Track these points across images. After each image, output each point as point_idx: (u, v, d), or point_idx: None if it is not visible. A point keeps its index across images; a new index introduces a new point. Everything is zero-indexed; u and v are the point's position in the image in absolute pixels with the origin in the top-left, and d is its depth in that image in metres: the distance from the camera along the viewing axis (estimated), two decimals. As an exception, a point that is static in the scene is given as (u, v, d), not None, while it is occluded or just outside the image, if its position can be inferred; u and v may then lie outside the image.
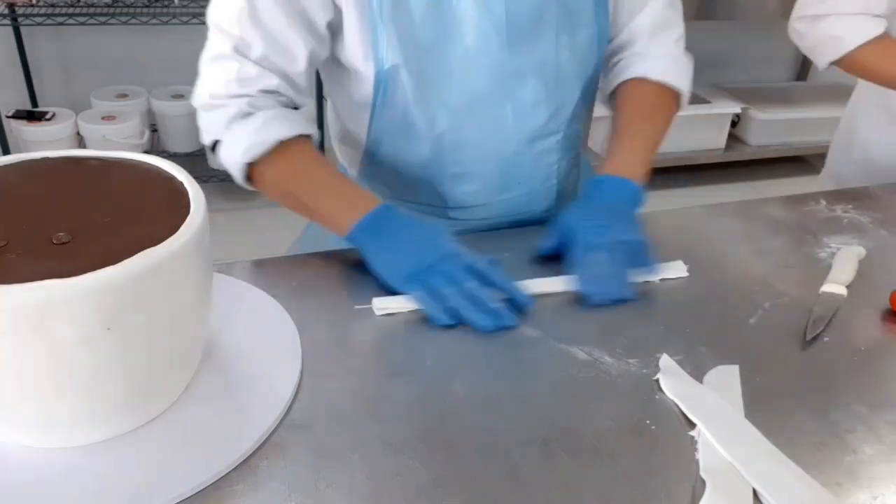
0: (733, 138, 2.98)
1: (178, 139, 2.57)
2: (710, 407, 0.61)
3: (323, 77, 0.93)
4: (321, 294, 0.75)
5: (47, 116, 2.31)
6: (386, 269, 0.74)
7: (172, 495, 0.51)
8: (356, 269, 0.81)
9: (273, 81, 0.80)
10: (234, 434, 0.56)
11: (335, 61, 0.86)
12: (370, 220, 0.76)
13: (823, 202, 1.02)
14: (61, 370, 0.48)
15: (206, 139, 0.84)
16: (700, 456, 0.57)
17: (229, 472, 0.53)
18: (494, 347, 0.69)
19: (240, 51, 0.79)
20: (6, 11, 2.23)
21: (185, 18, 2.30)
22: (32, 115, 2.31)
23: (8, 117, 2.28)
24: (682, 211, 1.01)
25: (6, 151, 2.27)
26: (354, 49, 0.81)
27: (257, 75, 0.79)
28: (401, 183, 0.94)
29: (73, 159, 0.60)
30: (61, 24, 2.24)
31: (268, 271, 0.79)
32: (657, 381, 0.65)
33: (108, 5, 2.34)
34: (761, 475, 0.55)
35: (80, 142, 2.36)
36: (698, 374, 0.66)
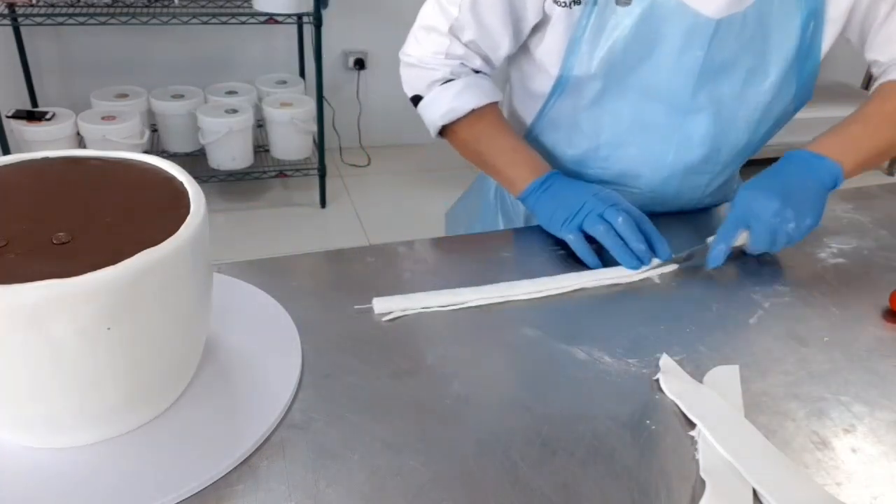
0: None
1: (178, 139, 2.57)
2: (710, 407, 0.61)
3: (511, 62, 0.97)
4: (321, 294, 0.75)
5: (47, 116, 2.31)
6: (548, 220, 0.84)
7: (172, 495, 0.51)
8: (356, 269, 0.81)
9: (476, 63, 0.91)
10: (234, 434, 0.56)
11: (526, 51, 0.91)
12: (540, 183, 0.85)
13: (823, 202, 1.02)
14: (61, 370, 0.48)
15: (409, 92, 0.95)
16: (700, 456, 0.57)
17: (229, 472, 0.53)
18: (494, 347, 0.69)
19: (454, 31, 0.87)
20: (6, 11, 2.23)
21: (185, 18, 2.30)
22: (32, 115, 2.31)
23: (8, 117, 2.28)
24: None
25: (6, 151, 2.27)
26: (550, 52, 0.87)
27: (463, 54, 0.89)
28: None
29: (73, 159, 0.60)
30: (61, 24, 2.24)
31: (268, 271, 0.79)
32: (657, 381, 0.65)
33: (108, 5, 2.34)
34: (761, 475, 0.55)
35: (80, 142, 2.36)
36: (698, 374, 0.66)
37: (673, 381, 0.64)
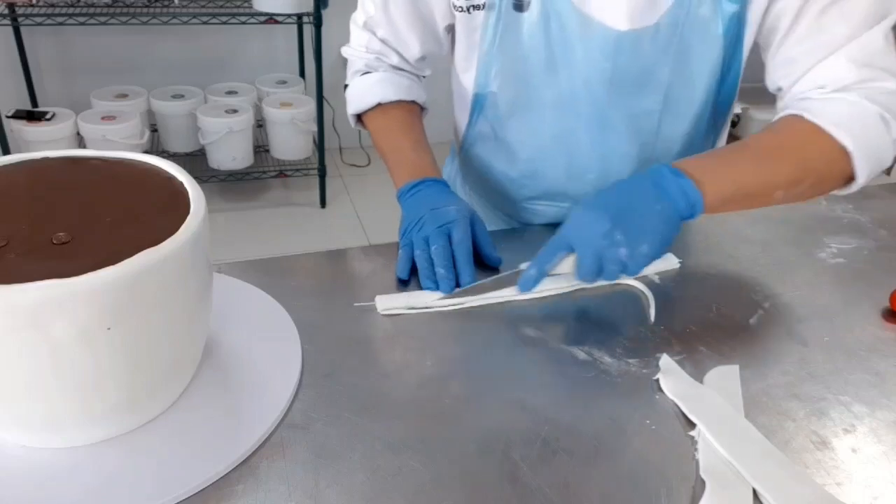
0: (733, 138, 2.96)
1: (178, 139, 2.57)
2: (710, 407, 0.61)
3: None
4: (321, 294, 0.75)
5: (47, 116, 2.31)
6: (402, 222, 0.83)
7: (172, 495, 0.51)
8: (356, 269, 0.81)
9: (393, 58, 0.93)
10: (234, 434, 0.56)
11: (452, 56, 0.93)
12: (409, 187, 0.85)
13: (823, 202, 1.02)
14: (61, 370, 0.48)
15: (347, 81, 0.98)
16: (700, 456, 0.57)
17: (229, 472, 0.53)
18: (494, 347, 0.69)
19: (369, 27, 0.91)
20: (6, 11, 2.23)
21: (185, 18, 2.30)
22: (32, 115, 2.31)
23: (8, 117, 2.28)
24: None
25: (6, 151, 2.27)
26: (460, 58, 0.89)
27: (380, 49, 0.92)
28: (482, 184, 1.01)
29: (73, 159, 0.60)
30: (61, 24, 2.24)
31: (268, 271, 0.79)
32: (657, 381, 0.65)
33: (108, 5, 2.34)
34: (761, 475, 0.55)
35: (80, 142, 2.36)
36: (698, 374, 0.66)
37: (673, 381, 0.64)
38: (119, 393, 0.53)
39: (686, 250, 0.87)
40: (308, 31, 2.68)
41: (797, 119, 0.74)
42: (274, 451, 0.56)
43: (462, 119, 0.97)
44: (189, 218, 0.53)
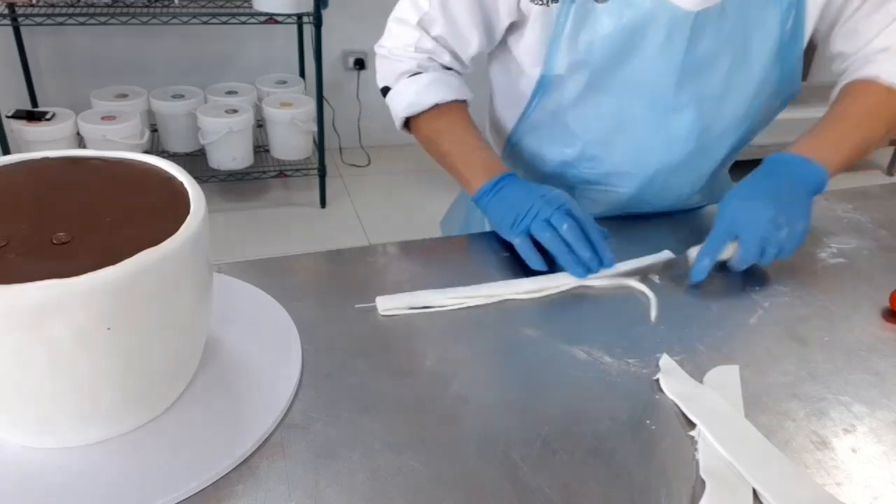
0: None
1: (178, 139, 2.57)
2: (710, 407, 0.61)
3: (489, 57, 0.96)
4: (321, 294, 0.75)
5: (47, 116, 2.31)
6: (498, 223, 0.83)
7: (172, 495, 0.51)
8: (356, 269, 0.81)
9: (445, 58, 0.90)
10: (234, 434, 0.56)
11: (508, 50, 0.90)
12: (492, 185, 0.83)
13: (823, 202, 1.02)
14: (61, 370, 0.48)
15: (379, 83, 0.95)
16: (700, 456, 0.57)
17: (229, 472, 0.53)
18: (494, 347, 0.69)
19: (423, 24, 0.88)
20: (6, 11, 2.23)
21: (185, 18, 2.30)
22: (32, 115, 2.31)
23: (8, 117, 2.28)
24: (683, 211, 1.00)
25: (6, 151, 2.27)
26: (529, 51, 0.86)
27: (432, 49, 0.89)
28: (532, 176, 0.98)
29: (73, 159, 0.60)
30: (61, 24, 2.24)
31: (268, 271, 0.79)
32: (657, 381, 0.65)
33: (108, 5, 2.34)
34: (761, 475, 0.55)
35: (80, 142, 2.36)
36: (698, 374, 0.66)
37: (673, 381, 0.64)
38: (119, 393, 0.53)
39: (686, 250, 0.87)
40: (308, 31, 2.68)
41: (872, 84, 0.86)
42: (274, 451, 0.56)
43: (512, 113, 0.95)
44: (189, 218, 0.53)
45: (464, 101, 0.92)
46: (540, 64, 0.85)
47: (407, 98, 0.90)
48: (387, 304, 0.73)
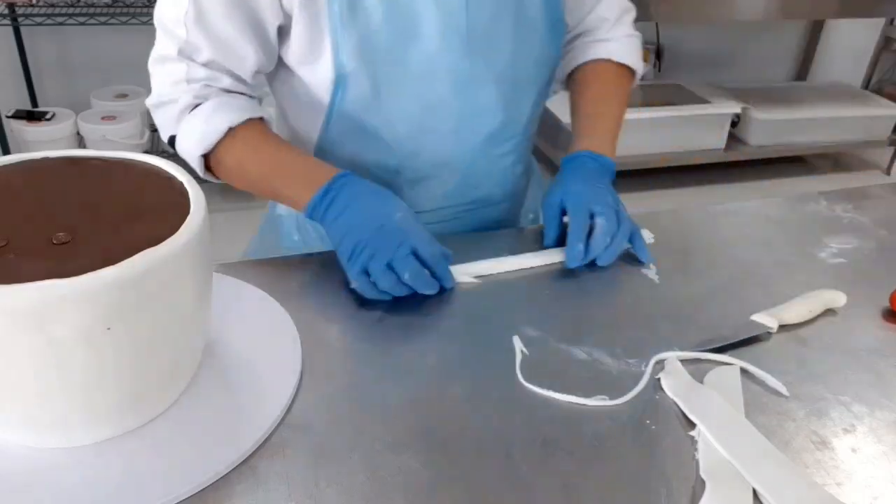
0: (733, 138, 2.98)
1: (178, 139, 2.57)
2: (710, 407, 0.61)
3: (267, 78, 0.88)
4: (321, 294, 0.75)
5: (47, 116, 2.31)
6: (336, 244, 0.75)
7: (172, 495, 0.51)
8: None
9: (224, 80, 0.80)
10: (234, 434, 0.56)
11: (282, 63, 0.84)
12: (320, 198, 0.76)
13: (823, 202, 1.02)
14: (60, 370, 0.48)
15: (164, 137, 0.83)
16: (700, 456, 0.57)
17: (229, 472, 0.53)
18: (494, 347, 0.69)
19: (185, 53, 0.77)
20: (6, 11, 2.23)
21: (185, 18, 2.30)
22: (32, 115, 2.31)
23: (8, 117, 2.28)
24: (682, 211, 1.00)
25: (6, 151, 2.27)
26: (304, 54, 0.80)
27: (206, 76, 0.78)
28: None
29: (73, 159, 0.60)
30: (61, 24, 2.24)
31: (268, 271, 0.79)
32: (657, 380, 0.65)
33: (108, 5, 2.34)
34: (761, 475, 0.55)
35: (80, 142, 2.36)
36: (698, 374, 0.66)
37: (673, 381, 0.64)
38: (118, 393, 0.53)
39: (686, 250, 0.87)
40: (308, 31, 2.67)
41: (608, 64, 0.97)
42: (274, 451, 0.56)
43: (312, 124, 0.86)
44: (189, 218, 0.53)
45: (261, 119, 0.82)
46: (323, 65, 0.79)
47: (196, 132, 0.78)
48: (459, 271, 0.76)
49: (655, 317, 0.74)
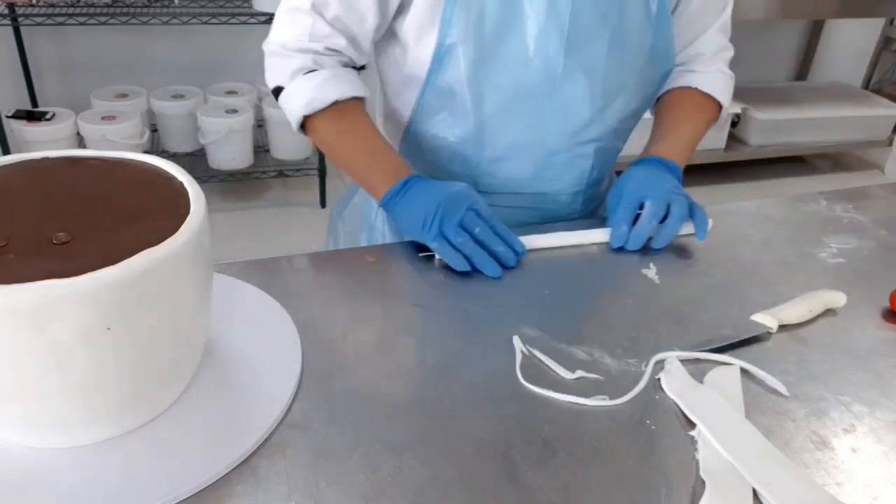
0: (733, 138, 2.98)
1: (178, 139, 2.57)
2: (710, 407, 0.61)
3: (375, 53, 0.95)
4: (321, 294, 0.75)
5: (47, 116, 2.31)
6: (408, 226, 0.82)
7: (172, 495, 0.51)
8: (357, 269, 0.81)
9: (341, 42, 0.87)
10: (234, 434, 0.56)
11: (393, 36, 0.89)
12: (398, 188, 0.83)
13: (823, 202, 1.02)
14: (60, 370, 0.48)
15: (270, 83, 0.90)
16: (700, 456, 0.57)
17: (229, 472, 0.53)
18: (494, 347, 0.69)
19: (316, 8, 0.84)
20: (6, 11, 2.23)
21: (185, 18, 2.30)
22: (32, 115, 2.31)
23: (8, 117, 2.28)
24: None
25: (6, 151, 2.27)
26: (420, 23, 0.85)
27: (328, 34, 0.86)
28: (437, 163, 0.97)
29: (73, 159, 0.60)
30: (61, 24, 2.24)
31: (268, 271, 0.79)
32: (657, 380, 0.65)
33: (108, 5, 2.34)
34: (761, 475, 0.55)
35: (80, 142, 2.36)
36: (698, 374, 0.66)
37: (673, 381, 0.64)
38: (118, 393, 0.53)
39: (686, 250, 0.87)
40: (308, 31, 2.67)
41: (692, 92, 1.00)
42: (274, 451, 0.56)
43: (407, 98, 0.93)
44: (189, 218, 0.53)
45: (362, 99, 0.90)
46: (433, 35, 0.84)
47: (305, 96, 0.86)
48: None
49: (655, 317, 0.74)
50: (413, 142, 0.98)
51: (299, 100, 0.86)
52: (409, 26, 0.86)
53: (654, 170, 0.91)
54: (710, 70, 1.00)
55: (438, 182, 0.84)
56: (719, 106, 1.01)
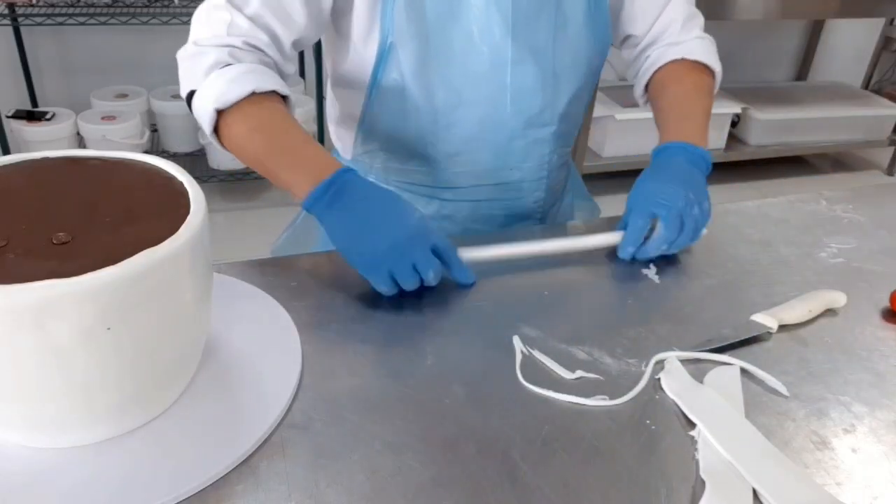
0: (733, 138, 2.98)
1: (178, 139, 2.57)
2: (710, 407, 0.61)
3: (326, 57, 0.94)
4: (321, 294, 0.75)
5: (47, 116, 2.31)
6: (344, 246, 0.73)
7: (172, 495, 0.51)
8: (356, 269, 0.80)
9: (262, 38, 0.79)
10: (234, 434, 0.56)
11: (341, 38, 0.88)
12: (325, 188, 0.72)
13: (823, 202, 1.02)
14: (60, 370, 0.48)
15: (184, 90, 0.80)
16: (700, 456, 0.57)
17: (229, 472, 0.53)
18: (494, 347, 0.69)
19: (234, 4, 0.77)
20: (6, 11, 2.23)
21: (185, 18, 2.30)
22: (32, 115, 2.31)
23: (8, 117, 2.28)
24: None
25: (6, 151, 2.27)
26: (362, 23, 0.83)
27: (248, 28, 0.78)
28: (394, 162, 0.95)
29: (73, 159, 0.60)
30: (61, 24, 2.24)
31: (268, 271, 0.79)
32: (657, 380, 0.65)
33: (108, 5, 2.34)
34: (761, 475, 0.55)
35: (80, 142, 2.36)
36: (698, 374, 0.66)
37: (673, 380, 0.64)
38: (118, 393, 0.53)
39: (686, 250, 0.87)
40: (308, 31, 2.67)
41: (684, 62, 0.97)
42: (274, 451, 0.56)
43: (359, 99, 0.90)
44: (189, 218, 0.53)
45: (286, 98, 0.80)
46: (376, 35, 0.82)
47: (218, 88, 0.75)
48: (465, 255, 0.77)
49: (655, 317, 0.74)
50: (368, 143, 0.95)
51: (212, 94, 0.75)
52: (354, 27, 0.84)
53: (680, 170, 0.84)
54: (689, 38, 0.98)
55: (378, 192, 0.75)
56: (712, 71, 0.99)
